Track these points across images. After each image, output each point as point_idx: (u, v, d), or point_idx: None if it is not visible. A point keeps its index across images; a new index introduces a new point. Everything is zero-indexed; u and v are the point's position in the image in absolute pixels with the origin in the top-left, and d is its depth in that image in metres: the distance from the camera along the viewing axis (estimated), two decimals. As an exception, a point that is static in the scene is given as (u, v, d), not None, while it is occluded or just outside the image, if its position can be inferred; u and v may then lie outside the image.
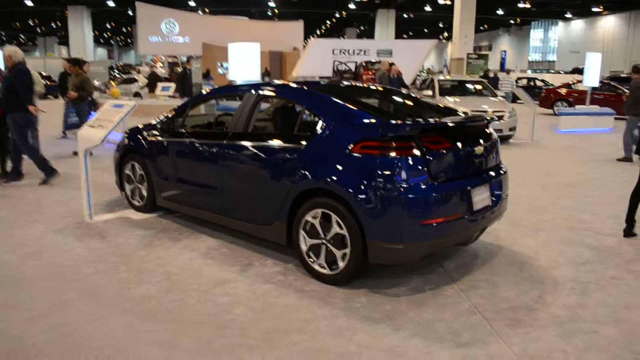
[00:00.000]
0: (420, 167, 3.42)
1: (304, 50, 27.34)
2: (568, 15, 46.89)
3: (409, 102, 4.44)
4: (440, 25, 53.94)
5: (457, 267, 4.09)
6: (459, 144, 3.69)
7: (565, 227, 5.19)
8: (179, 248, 4.46)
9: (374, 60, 22.80)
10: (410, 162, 3.40)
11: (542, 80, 25.03)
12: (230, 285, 3.71)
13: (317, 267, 3.78)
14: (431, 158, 3.47)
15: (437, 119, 3.76)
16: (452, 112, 4.19)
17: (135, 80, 15.58)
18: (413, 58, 23.99)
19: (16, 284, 3.68)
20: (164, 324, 3.13)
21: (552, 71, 40.77)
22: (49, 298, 3.46)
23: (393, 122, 3.49)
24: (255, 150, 4.14)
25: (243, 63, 13.16)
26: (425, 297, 3.57)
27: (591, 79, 14.20)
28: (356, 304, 3.44)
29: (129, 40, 68.63)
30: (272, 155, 4.00)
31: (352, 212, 3.49)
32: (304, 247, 3.85)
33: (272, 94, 4.50)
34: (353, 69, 23.34)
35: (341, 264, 3.63)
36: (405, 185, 3.36)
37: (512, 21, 53.65)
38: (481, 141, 3.88)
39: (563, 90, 18.72)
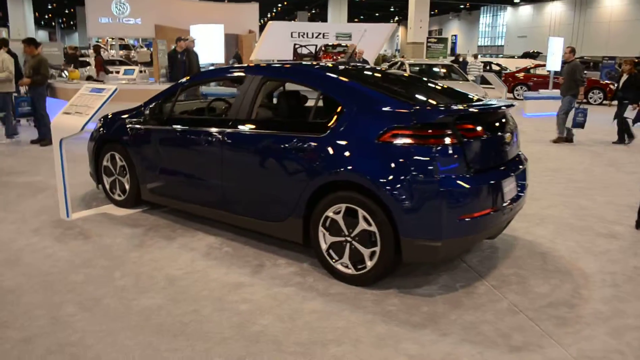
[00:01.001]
0: (457, 157, 3.16)
1: (261, 33, 26.55)
2: (516, 1, 48.05)
3: (427, 86, 4.14)
4: (392, 9, 53.98)
5: (480, 262, 3.89)
6: (490, 132, 3.46)
7: (569, 214, 5.11)
8: (175, 248, 4.03)
9: (334, 44, 22.39)
10: (449, 152, 3.13)
11: (498, 65, 25.47)
12: (246, 290, 3.34)
13: (340, 267, 3.48)
14: (467, 147, 3.22)
15: (466, 105, 3.49)
16: (468, 97, 3.94)
17: (88, 64, 14.49)
18: (373, 41, 23.72)
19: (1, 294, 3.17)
20: (185, 341, 2.74)
21: (501, 55, 41.76)
22: (44, 313, 2.98)
23: (427, 108, 3.20)
24: (263, 140, 3.75)
25: (207, 46, 12.56)
26: (460, 296, 3.34)
27: (554, 63, 14.49)
28: (390, 307, 3.17)
29: (72, 22, 64.67)
30: (284, 145, 3.62)
31: (382, 207, 3.20)
32: (323, 246, 3.53)
33: (281, 77, 4.11)
34: (314, 52, 22.85)
35: (369, 263, 3.34)
36: (443, 177, 3.10)
37: (461, 6, 54.41)
38: (507, 128, 3.67)
39: (521, 75, 19.09)
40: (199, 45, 12.21)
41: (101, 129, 5.00)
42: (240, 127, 3.90)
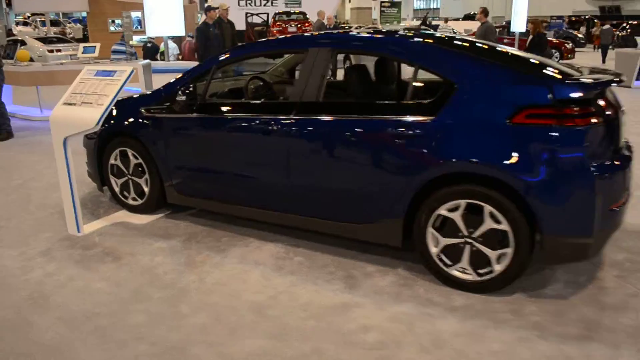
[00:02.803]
0: (603, 139, 2.67)
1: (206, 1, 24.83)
2: (451, -38, 48.18)
3: (525, 56, 3.45)
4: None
5: (586, 248, 3.48)
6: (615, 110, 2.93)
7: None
8: (235, 263, 3.32)
9: (287, 11, 21.31)
10: (596, 133, 2.62)
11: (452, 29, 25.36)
12: (357, 313, 2.74)
13: (455, 273, 2.94)
14: (610, 127, 2.73)
15: (595, 77, 2.90)
16: (571, 67, 3.33)
17: (24, 43, 12.74)
18: (324, 8, 22.83)
19: (44, 355, 2.38)
20: (331, 399, 2.13)
21: (437, 18, 41.95)
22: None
23: (567, 82, 2.66)
24: (347, 127, 3.08)
25: (163, 17, 11.26)
26: (594, 294, 2.90)
27: (519, 24, 14.40)
28: (533, 317, 2.68)
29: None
30: (377, 132, 2.99)
31: (516, 202, 2.68)
32: (433, 250, 2.97)
33: (359, 49, 3.39)
34: (268, 21, 21.63)
35: (497, 268, 2.82)
36: (594, 163, 2.60)
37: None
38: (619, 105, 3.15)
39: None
40: (153, 16, 10.95)
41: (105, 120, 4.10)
42: (314, 113, 3.20)
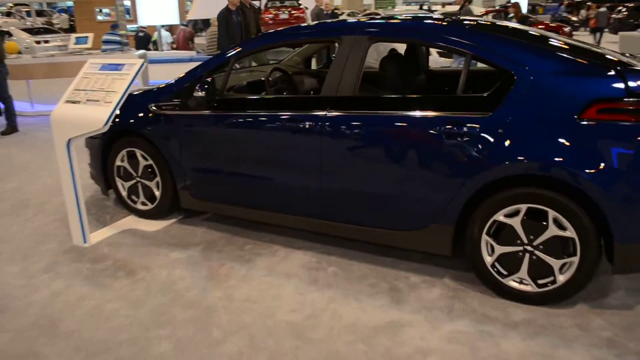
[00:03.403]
0: None
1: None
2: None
3: (586, 45, 3.10)
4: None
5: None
6: None
7: None
8: (263, 275, 3.01)
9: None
10: (677, 129, 2.34)
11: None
12: (409, 332, 2.45)
13: (512, 284, 2.65)
14: None
15: None
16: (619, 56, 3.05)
17: (10, 34, 12.04)
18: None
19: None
20: None
21: (428, 2, 41.27)
22: None
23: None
24: (391, 124, 2.77)
25: (156, 4, 10.78)
26: (666, 304, 2.66)
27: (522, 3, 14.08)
28: (603, 332, 2.41)
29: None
30: (426, 130, 2.67)
31: (585, 207, 2.40)
32: (488, 259, 2.68)
33: (400, 37, 3.05)
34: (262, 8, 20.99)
35: (561, 278, 2.54)
36: (677, 162, 2.32)
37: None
38: None
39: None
40: (145, 3, 10.48)
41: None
42: (351, 108, 2.87)
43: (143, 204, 3.81)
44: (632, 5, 22.54)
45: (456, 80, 2.75)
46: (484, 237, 2.64)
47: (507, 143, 2.49)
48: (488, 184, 2.56)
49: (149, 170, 3.67)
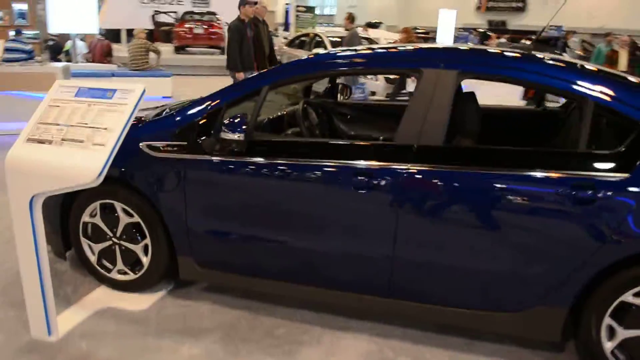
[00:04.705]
0: None
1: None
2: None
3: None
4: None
5: None
6: None
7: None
8: (318, 375, 2.30)
9: (194, 11, 19.61)
10: None
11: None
12: None
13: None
14: None
15: None
16: None
17: None
18: (233, 9, 21.50)
19: None
20: None
21: (332, 25, 42.02)
22: None
23: None
24: (496, 184, 2.22)
25: (71, 11, 9.37)
26: None
27: (445, 35, 14.54)
28: None
29: None
30: (540, 192, 2.17)
31: None
32: (607, 344, 2.22)
33: (502, 74, 2.41)
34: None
35: None
36: None
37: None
38: None
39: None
40: (58, 7, 9.07)
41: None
42: (440, 161, 2.28)
43: (121, 272, 2.90)
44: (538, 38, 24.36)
45: (598, 133, 2.29)
46: (607, 320, 2.19)
47: (651, 211, 2.06)
48: (620, 260, 2.11)
49: (134, 230, 2.78)
